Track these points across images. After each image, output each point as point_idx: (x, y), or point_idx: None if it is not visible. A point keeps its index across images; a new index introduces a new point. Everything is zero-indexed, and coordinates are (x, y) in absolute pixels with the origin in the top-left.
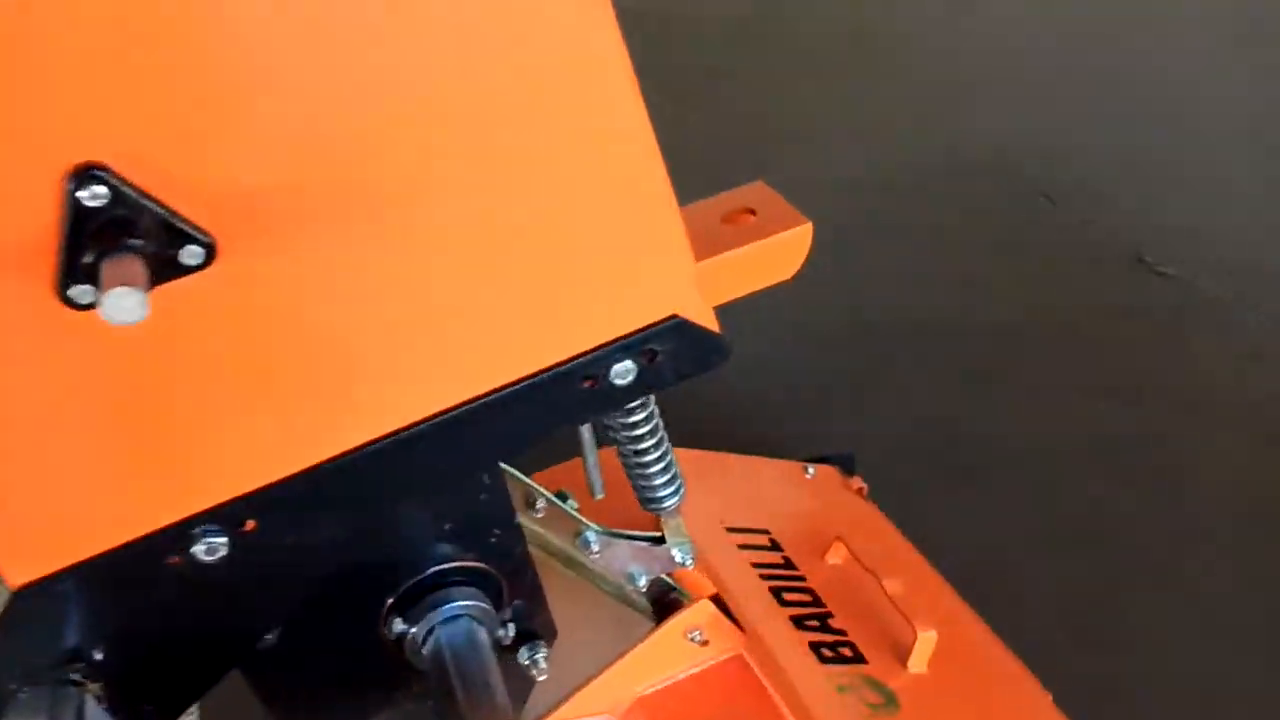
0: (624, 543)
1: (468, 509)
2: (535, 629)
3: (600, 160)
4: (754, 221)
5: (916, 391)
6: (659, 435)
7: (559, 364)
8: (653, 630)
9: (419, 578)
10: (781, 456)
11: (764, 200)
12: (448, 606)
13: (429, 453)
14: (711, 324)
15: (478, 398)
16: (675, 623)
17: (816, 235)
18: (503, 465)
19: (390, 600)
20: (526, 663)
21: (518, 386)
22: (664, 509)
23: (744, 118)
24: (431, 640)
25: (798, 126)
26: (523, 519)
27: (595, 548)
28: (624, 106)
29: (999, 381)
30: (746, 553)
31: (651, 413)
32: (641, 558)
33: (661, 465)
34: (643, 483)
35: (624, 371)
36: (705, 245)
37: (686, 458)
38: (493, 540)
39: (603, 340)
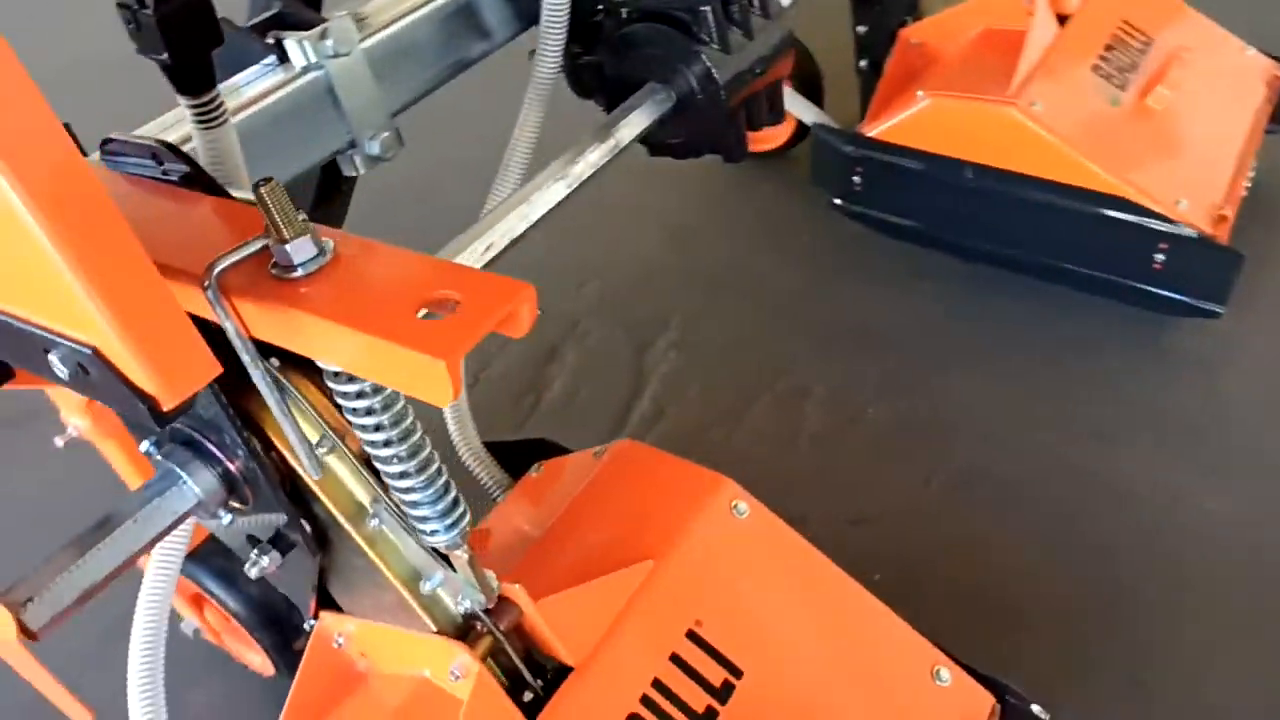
0: (410, 539)
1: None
2: (278, 539)
3: None
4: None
5: None
6: (419, 459)
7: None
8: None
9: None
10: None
11: (483, 293)
12: (174, 458)
13: None
14: (144, 381)
15: None
16: (443, 642)
17: None
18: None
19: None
20: (251, 559)
21: None
22: (430, 544)
23: None
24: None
25: None
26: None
27: (372, 524)
28: None
29: None
30: (668, 670)
31: (405, 431)
32: (434, 568)
33: (426, 493)
34: (405, 508)
35: (57, 363)
36: (376, 318)
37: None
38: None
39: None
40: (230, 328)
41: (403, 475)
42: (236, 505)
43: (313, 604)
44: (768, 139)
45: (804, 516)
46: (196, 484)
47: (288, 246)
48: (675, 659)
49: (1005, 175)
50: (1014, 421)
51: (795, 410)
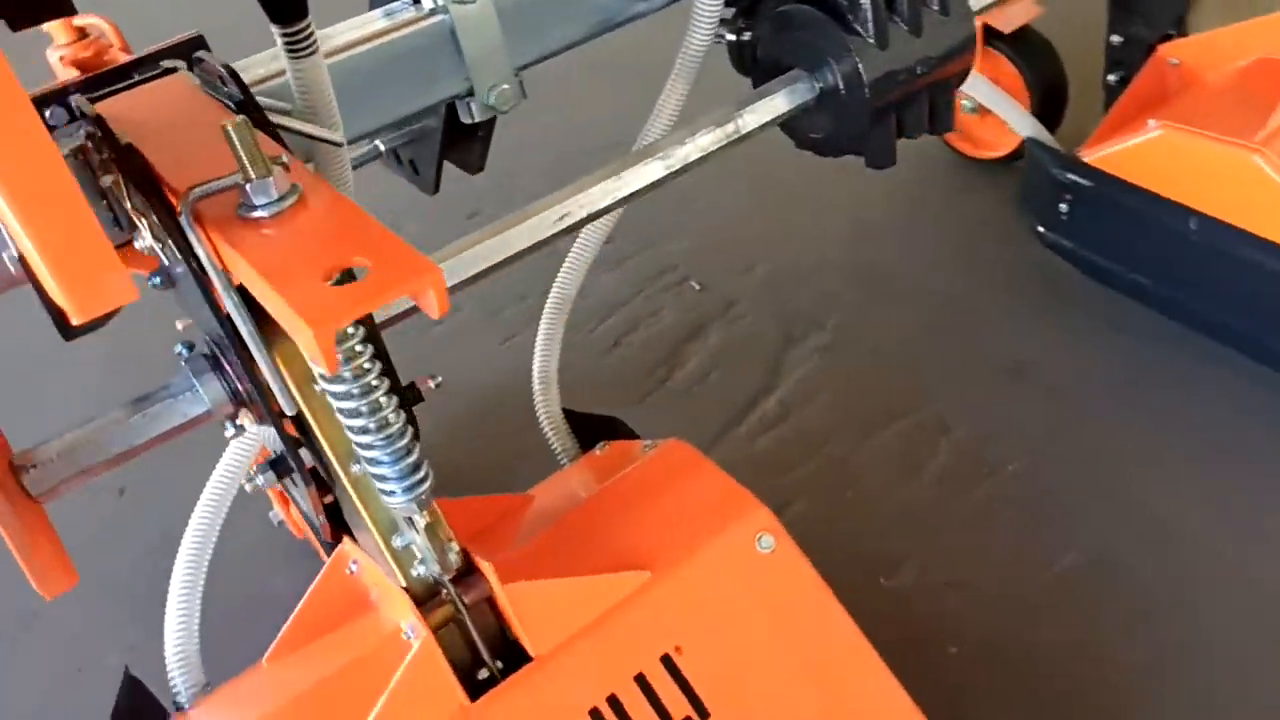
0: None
1: None
2: (278, 462)
3: None
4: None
5: None
6: (378, 416)
7: None
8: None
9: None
10: None
11: (391, 268)
12: (192, 365)
13: None
14: (55, 294)
15: None
16: (404, 600)
17: None
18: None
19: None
20: (249, 475)
21: None
22: (389, 504)
23: None
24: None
25: None
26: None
27: (355, 468)
28: None
29: None
30: (628, 690)
31: (366, 387)
32: (406, 527)
33: (384, 452)
34: (367, 464)
35: (5, 261)
36: (286, 273)
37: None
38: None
39: None
40: (201, 253)
41: (362, 430)
42: (247, 420)
43: (325, 528)
44: (991, 145)
45: (898, 564)
46: (206, 394)
47: (248, 186)
48: (640, 680)
49: (1238, 234)
50: (1179, 519)
51: (928, 445)
